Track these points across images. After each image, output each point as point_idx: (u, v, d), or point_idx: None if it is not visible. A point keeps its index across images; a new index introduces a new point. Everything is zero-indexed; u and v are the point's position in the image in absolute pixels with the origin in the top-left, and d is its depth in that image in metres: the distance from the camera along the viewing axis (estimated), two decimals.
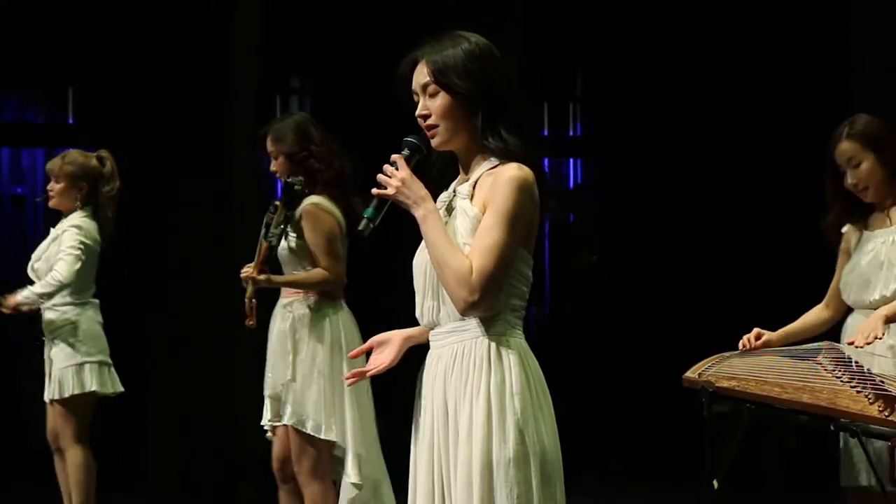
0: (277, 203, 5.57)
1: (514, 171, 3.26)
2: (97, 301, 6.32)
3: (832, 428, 4.40)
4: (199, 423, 7.90)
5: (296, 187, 5.52)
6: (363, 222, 3.37)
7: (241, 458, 7.72)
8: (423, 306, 3.39)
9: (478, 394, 3.26)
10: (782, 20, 9.14)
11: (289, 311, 5.57)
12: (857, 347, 4.40)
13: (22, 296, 6.12)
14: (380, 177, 3.37)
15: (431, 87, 3.38)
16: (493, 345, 3.29)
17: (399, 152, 3.41)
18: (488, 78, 3.33)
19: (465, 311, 3.26)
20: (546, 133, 10.77)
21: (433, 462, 3.34)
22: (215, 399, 7.73)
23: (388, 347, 3.49)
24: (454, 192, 3.40)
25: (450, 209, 3.38)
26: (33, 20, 8.58)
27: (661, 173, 9.28)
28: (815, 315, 4.94)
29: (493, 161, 3.33)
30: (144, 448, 8.10)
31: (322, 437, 5.47)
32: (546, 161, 12.16)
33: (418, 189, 3.34)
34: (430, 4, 8.74)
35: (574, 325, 10.07)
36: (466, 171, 3.40)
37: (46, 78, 9.05)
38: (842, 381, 4.29)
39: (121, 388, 6.32)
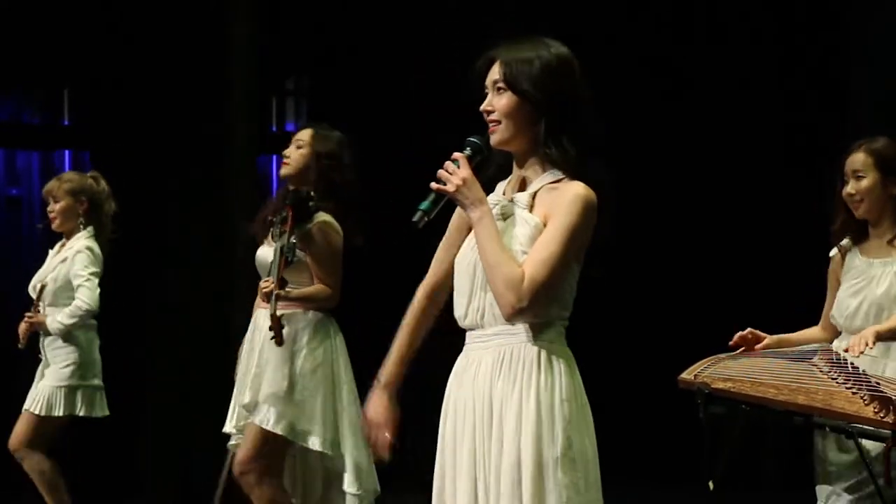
0: (286, 214, 5.56)
1: (581, 190, 3.33)
2: (95, 323, 6.33)
3: (827, 429, 4.41)
4: (197, 430, 7.89)
5: (311, 203, 5.55)
6: (418, 214, 3.43)
7: None
8: (468, 307, 3.44)
9: (528, 397, 3.31)
10: (782, 21, 9.15)
11: (285, 321, 5.55)
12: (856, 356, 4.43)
13: (51, 325, 6.16)
14: (440, 172, 3.41)
15: (500, 85, 3.44)
16: (544, 351, 3.35)
17: (461, 151, 3.45)
18: (558, 89, 3.38)
19: (511, 316, 3.32)
20: None
21: (475, 463, 3.37)
22: (213, 407, 7.72)
23: (382, 423, 3.60)
24: (511, 199, 3.44)
25: (506, 215, 3.42)
26: (29, 21, 8.58)
27: (658, 175, 9.28)
28: (815, 334, 4.96)
29: (556, 174, 3.39)
30: (142, 457, 8.09)
31: (316, 449, 5.50)
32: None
33: (477, 191, 3.38)
34: (428, 5, 8.75)
35: (570, 326, 10.07)
36: (522, 176, 3.45)
37: (42, 79, 9.04)
38: (837, 383, 4.30)
39: (106, 412, 6.35)
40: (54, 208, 6.35)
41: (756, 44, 9.18)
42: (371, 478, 5.60)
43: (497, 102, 3.43)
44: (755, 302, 7.57)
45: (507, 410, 3.32)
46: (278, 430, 5.49)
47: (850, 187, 4.86)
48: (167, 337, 8.01)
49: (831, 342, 4.91)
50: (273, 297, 5.45)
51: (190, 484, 7.89)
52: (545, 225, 3.33)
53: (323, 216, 5.59)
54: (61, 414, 6.17)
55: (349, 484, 5.51)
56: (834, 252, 4.95)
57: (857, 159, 4.87)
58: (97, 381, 6.28)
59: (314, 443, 5.50)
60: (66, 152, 9.23)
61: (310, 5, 9.13)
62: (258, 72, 8.08)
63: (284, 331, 5.51)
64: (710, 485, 4.32)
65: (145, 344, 8.07)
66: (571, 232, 3.30)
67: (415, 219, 3.43)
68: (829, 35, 8.82)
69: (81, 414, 6.20)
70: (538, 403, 3.30)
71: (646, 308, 9.18)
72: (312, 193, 5.58)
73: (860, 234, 4.92)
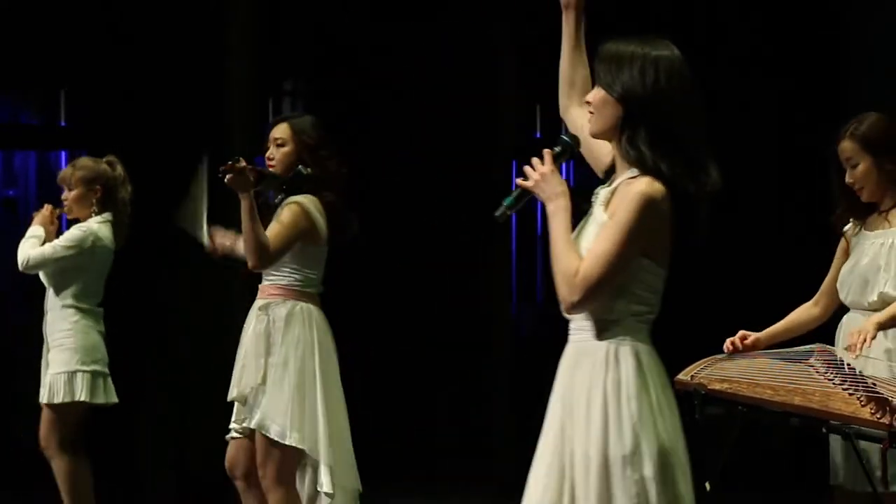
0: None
1: (642, 186, 3.34)
2: (101, 310, 6.31)
3: (824, 430, 4.42)
4: (195, 425, 7.89)
5: (304, 172, 5.45)
6: (500, 209, 3.49)
7: None
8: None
9: (596, 395, 3.37)
10: (778, 20, 9.16)
11: (264, 314, 5.51)
12: (855, 356, 4.42)
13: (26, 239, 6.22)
14: (525, 168, 3.47)
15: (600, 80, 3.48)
16: (613, 347, 3.39)
17: (552, 147, 3.51)
18: (647, 90, 3.39)
19: (567, 310, 3.40)
20: (538, 136, 10.78)
21: (558, 450, 3.43)
22: (211, 402, 7.72)
23: None
24: (596, 192, 3.50)
25: (591, 212, 3.49)
26: (26, 22, 8.57)
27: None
28: (804, 313, 4.96)
29: (635, 171, 3.40)
30: (141, 454, 8.09)
31: (287, 443, 5.39)
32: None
33: (556, 185, 3.43)
34: (427, 6, 8.75)
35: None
36: (615, 166, 3.50)
37: (39, 80, 9.04)
38: (834, 384, 4.31)
39: (115, 399, 6.30)
40: (68, 196, 6.32)
41: (752, 45, 9.18)
42: (348, 476, 5.49)
43: (595, 94, 3.48)
44: (752, 303, 7.57)
45: (577, 407, 3.39)
46: (253, 425, 5.45)
47: (848, 176, 4.84)
48: (166, 335, 8.02)
49: (824, 319, 4.92)
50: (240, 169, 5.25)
51: (189, 482, 7.89)
52: None
53: (304, 198, 5.46)
54: (63, 400, 6.13)
55: (323, 483, 5.41)
56: (848, 227, 4.92)
57: (846, 148, 4.83)
58: (98, 367, 6.21)
59: (275, 432, 5.40)
60: (63, 153, 9.23)
61: (307, 6, 9.13)
62: (256, 73, 8.08)
63: (262, 325, 5.45)
64: (707, 486, 4.32)
65: (145, 342, 8.07)
66: (626, 229, 3.32)
67: (497, 213, 3.49)
68: (828, 35, 8.83)
69: (83, 399, 6.14)
70: (604, 403, 3.36)
71: None
72: (310, 171, 5.47)
73: (866, 213, 4.90)
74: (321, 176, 5.51)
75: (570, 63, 3.83)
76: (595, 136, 3.50)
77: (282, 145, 5.54)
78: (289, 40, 9.22)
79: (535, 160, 3.46)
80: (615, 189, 3.42)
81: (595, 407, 3.35)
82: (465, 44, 8.57)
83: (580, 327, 3.44)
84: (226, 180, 5.27)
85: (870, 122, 4.83)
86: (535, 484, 3.47)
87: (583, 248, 3.39)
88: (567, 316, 3.44)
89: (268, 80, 8.94)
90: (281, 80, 9.68)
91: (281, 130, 5.56)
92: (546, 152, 3.47)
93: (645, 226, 3.33)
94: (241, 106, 8.01)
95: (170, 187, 7.60)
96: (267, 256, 5.39)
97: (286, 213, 5.45)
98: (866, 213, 4.88)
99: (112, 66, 8.36)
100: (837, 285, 4.88)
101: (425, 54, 8.75)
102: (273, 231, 5.42)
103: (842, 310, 4.94)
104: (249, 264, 5.45)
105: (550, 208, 3.42)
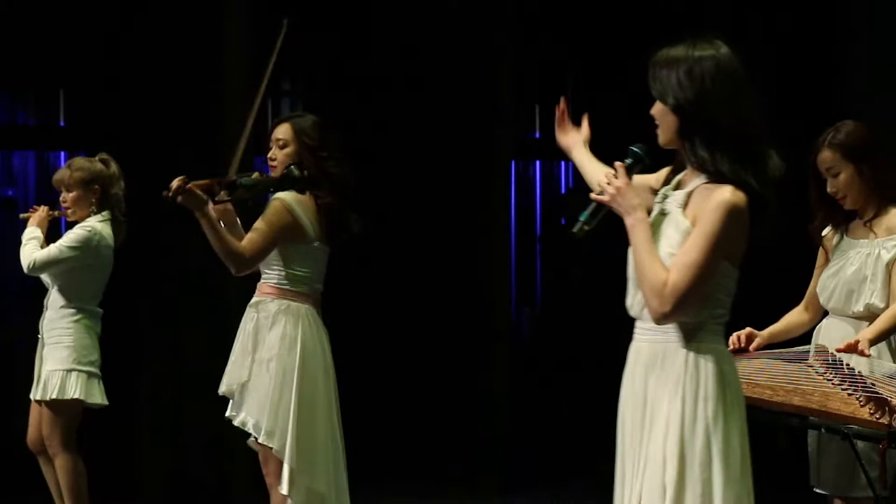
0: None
1: (727, 195, 3.42)
2: (100, 311, 6.30)
3: (822, 430, 4.42)
4: (190, 426, 7.88)
5: (295, 173, 5.43)
6: (577, 225, 3.55)
7: (232, 462, 7.71)
8: (634, 298, 3.57)
9: (674, 397, 3.46)
10: (776, 22, 9.15)
11: (254, 311, 5.51)
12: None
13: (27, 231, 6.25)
14: (599, 182, 3.55)
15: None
16: (693, 353, 3.47)
17: (623, 159, 3.59)
18: (701, 94, 3.46)
19: (658, 320, 3.45)
20: (538, 135, 10.77)
21: (627, 453, 3.56)
22: (207, 402, 7.72)
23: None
24: (665, 195, 3.57)
25: (664, 211, 3.54)
26: (24, 22, 8.57)
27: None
28: (796, 316, 5.01)
29: (705, 175, 3.47)
30: (136, 455, 8.07)
31: (260, 440, 5.40)
32: (538, 163, 12.21)
33: (632, 198, 3.50)
34: (424, 7, 8.74)
35: (566, 328, 10.07)
36: (683, 171, 3.57)
37: (37, 80, 9.03)
38: (833, 384, 4.31)
39: (105, 402, 6.30)
40: (66, 198, 6.31)
41: (749, 45, 9.18)
42: (317, 479, 5.44)
43: (654, 108, 3.56)
44: (749, 303, 7.56)
45: (657, 411, 3.48)
46: (237, 423, 5.46)
47: (830, 186, 4.84)
48: (164, 336, 8.01)
49: (815, 322, 4.94)
50: (186, 190, 5.24)
51: (184, 483, 7.88)
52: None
53: (288, 196, 5.42)
54: (54, 396, 6.13)
55: (281, 483, 5.39)
56: (827, 230, 4.94)
57: (825, 158, 4.83)
58: (93, 368, 6.22)
59: (253, 428, 5.42)
60: (62, 153, 9.23)
61: (306, 6, 9.12)
62: (253, 73, 8.07)
63: (251, 324, 5.46)
64: None
65: (142, 342, 8.07)
66: (713, 238, 3.39)
67: (574, 230, 3.55)
68: (822, 38, 8.83)
69: (75, 397, 6.13)
70: (683, 405, 3.45)
71: None
72: (305, 173, 5.43)
73: (844, 220, 4.90)
74: (319, 177, 5.48)
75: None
76: (665, 146, 3.57)
77: (284, 146, 5.51)
78: (287, 40, 9.21)
79: (608, 173, 3.52)
80: (691, 192, 3.49)
81: (674, 411, 3.45)
82: (465, 44, 8.56)
83: (654, 328, 3.50)
84: (178, 202, 5.26)
85: (847, 129, 4.83)
86: (619, 482, 3.58)
87: (662, 250, 3.46)
88: (658, 324, 3.47)
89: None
90: (279, 80, 9.68)
91: (283, 131, 5.54)
92: (618, 165, 3.54)
93: (729, 234, 3.41)
94: (239, 106, 8.00)
95: (165, 188, 7.60)
96: (244, 261, 5.38)
97: (268, 211, 5.44)
98: (846, 220, 4.89)
99: (111, 66, 8.36)
100: (818, 290, 4.91)
101: (425, 54, 8.74)
102: (254, 230, 5.40)
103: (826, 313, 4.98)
104: (232, 272, 5.44)
105: (629, 221, 3.49)
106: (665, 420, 3.46)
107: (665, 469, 3.44)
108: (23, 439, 6.49)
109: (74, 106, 9.11)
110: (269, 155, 5.56)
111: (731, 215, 3.40)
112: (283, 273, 5.49)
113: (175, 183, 5.26)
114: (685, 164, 3.57)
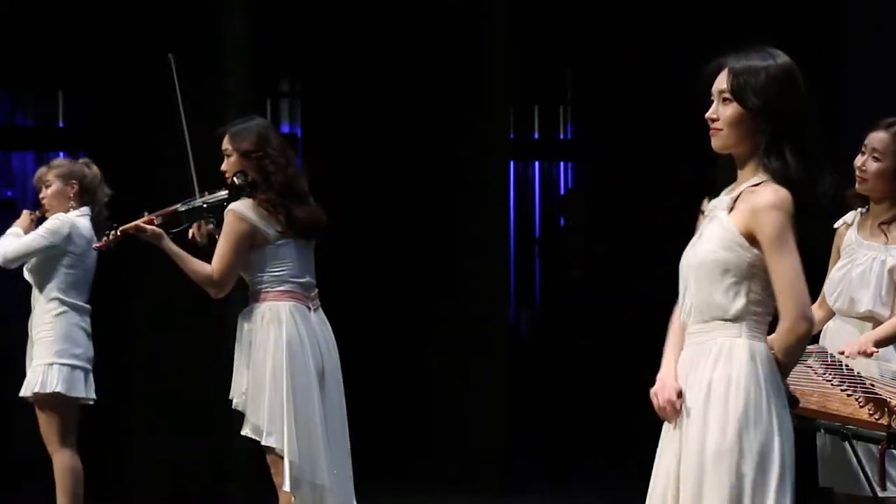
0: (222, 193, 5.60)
1: (772, 197, 3.50)
2: (88, 307, 6.29)
3: (822, 431, 4.42)
4: (185, 425, 7.88)
5: (237, 181, 5.51)
6: None
7: (230, 462, 7.71)
8: (683, 304, 3.66)
9: (708, 389, 3.54)
10: (776, 23, 9.16)
11: (243, 321, 5.57)
12: (847, 356, 4.46)
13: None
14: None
15: (726, 96, 3.58)
16: (727, 345, 3.55)
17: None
18: (783, 100, 3.53)
19: (801, 336, 3.52)
20: (537, 136, 10.79)
21: (669, 446, 3.68)
22: (202, 402, 7.72)
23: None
24: (712, 205, 3.65)
25: (710, 216, 3.63)
26: (23, 23, 8.57)
27: (653, 176, 9.28)
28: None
29: (761, 177, 3.54)
30: (131, 454, 8.07)
31: (262, 443, 5.44)
32: (537, 164, 12.22)
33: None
34: (424, 7, 8.74)
35: (565, 328, 10.07)
36: (739, 178, 3.62)
37: (37, 81, 9.04)
38: (832, 385, 4.31)
39: (92, 397, 6.26)
40: (46, 194, 6.33)
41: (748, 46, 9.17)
42: (316, 474, 5.47)
43: (722, 112, 3.58)
44: None
45: (694, 401, 3.57)
46: (243, 432, 5.50)
47: (860, 161, 4.84)
48: (159, 337, 8.00)
49: (826, 319, 4.95)
50: (135, 228, 5.55)
51: (178, 484, 7.88)
52: (743, 233, 3.51)
53: (236, 205, 5.51)
54: (37, 390, 6.11)
55: (284, 480, 5.42)
56: (839, 223, 4.95)
57: (880, 138, 4.84)
58: (78, 362, 6.17)
59: (253, 432, 5.47)
60: (61, 154, 9.23)
61: (304, 7, 9.13)
62: (253, 74, 8.07)
63: (242, 331, 5.53)
64: None
65: (138, 343, 8.06)
66: (787, 241, 3.47)
67: None
68: (822, 38, 8.83)
69: (56, 390, 6.11)
70: (716, 396, 3.52)
71: (642, 309, 9.18)
72: (248, 178, 5.51)
73: (865, 207, 4.92)
74: (261, 179, 5.53)
75: None
76: (723, 149, 3.61)
77: (229, 156, 5.62)
78: (286, 40, 9.22)
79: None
80: (738, 195, 3.54)
81: (710, 403, 3.53)
82: (465, 44, 8.56)
83: (699, 329, 3.59)
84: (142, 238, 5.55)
85: None
86: (655, 476, 3.74)
87: (705, 247, 3.55)
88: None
89: (265, 80, 8.94)
90: (278, 81, 9.68)
91: (224, 142, 5.65)
92: None
93: (789, 227, 3.47)
94: (238, 107, 8.00)
95: (164, 190, 7.61)
96: (217, 283, 5.52)
97: (224, 226, 5.54)
98: (863, 204, 4.91)
99: (110, 67, 8.36)
100: (826, 289, 4.93)
101: (424, 55, 8.74)
102: (217, 250, 5.53)
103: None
104: (212, 297, 5.61)
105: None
106: (702, 411, 3.54)
107: (703, 456, 3.52)
108: (21, 442, 6.49)
109: (73, 107, 9.11)
110: (222, 168, 5.65)
111: (786, 211, 3.47)
112: (261, 277, 5.55)
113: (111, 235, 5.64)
114: (731, 173, 3.63)
